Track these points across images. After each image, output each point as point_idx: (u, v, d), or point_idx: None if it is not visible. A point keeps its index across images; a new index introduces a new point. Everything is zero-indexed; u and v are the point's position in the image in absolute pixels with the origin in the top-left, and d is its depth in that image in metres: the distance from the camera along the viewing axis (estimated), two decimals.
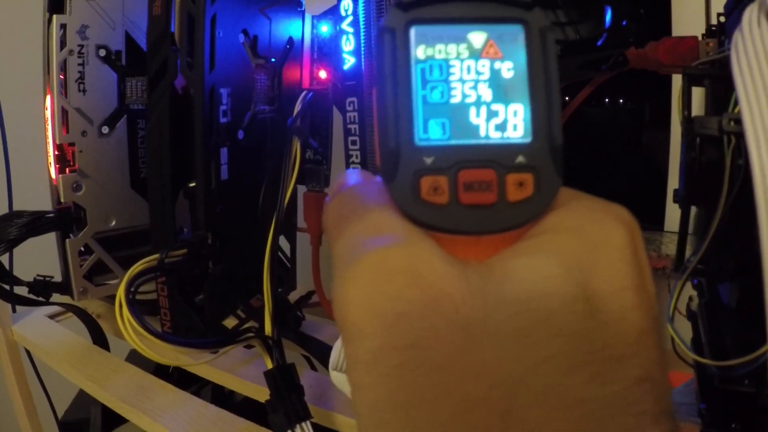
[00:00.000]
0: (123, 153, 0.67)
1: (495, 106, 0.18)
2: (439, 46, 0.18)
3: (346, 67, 0.57)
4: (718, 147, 0.46)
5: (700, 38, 0.58)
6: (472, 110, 0.18)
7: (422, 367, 0.16)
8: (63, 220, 0.64)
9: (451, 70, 0.18)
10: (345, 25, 0.57)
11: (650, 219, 0.98)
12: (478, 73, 0.18)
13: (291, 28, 0.63)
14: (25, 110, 0.77)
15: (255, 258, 0.59)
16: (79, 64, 0.64)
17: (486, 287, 0.17)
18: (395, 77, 0.18)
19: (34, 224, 0.64)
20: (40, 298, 0.70)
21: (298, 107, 0.61)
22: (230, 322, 0.64)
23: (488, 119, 0.18)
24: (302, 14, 0.65)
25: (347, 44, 0.56)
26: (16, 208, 0.76)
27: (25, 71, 0.72)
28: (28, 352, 0.80)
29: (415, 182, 0.18)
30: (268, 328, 0.57)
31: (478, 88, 0.18)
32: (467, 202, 0.18)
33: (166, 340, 0.50)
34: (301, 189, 0.66)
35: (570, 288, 0.17)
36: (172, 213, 0.54)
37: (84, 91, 0.64)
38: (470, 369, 0.16)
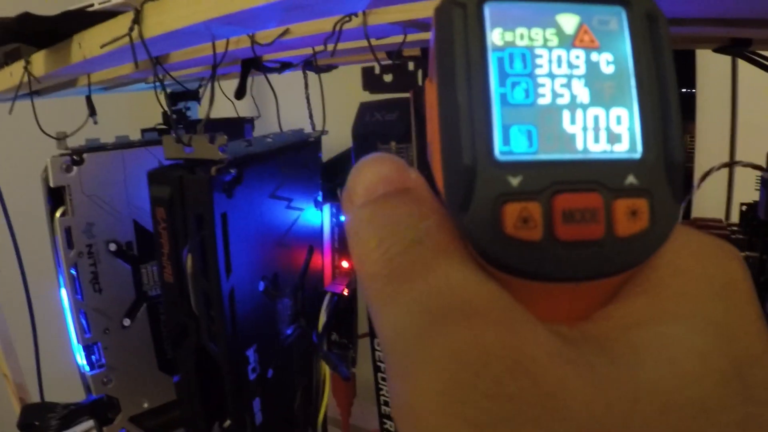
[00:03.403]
0: (147, 339, 0.64)
1: (594, 110, 0.14)
2: (521, 30, 0.14)
3: None
4: None
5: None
6: (566, 115, 0.14)
7: None
8: (97, 410, 0.64)
9: (538, 61, 0.14)
10: None
11: None
12: (571, 66, 0.14)
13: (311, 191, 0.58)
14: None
15: None
16: (90, 264, 0.60)
17: (611, 371, 0.12)
18: (467, 68, 0.14)
19: (71, 416, 0.63)
20: None
21: (323, 318, 0.58)
22: None
23: (586, 127, 0.14)
24: (320, 206, 0.59)
25: None
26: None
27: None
28: None
29: (497, 211, 0.13)
30: None
31: (573, 87, 0.14)
32: (567, 237, 0.13)
33: None
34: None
35: (722, 363, 0.13)
36: None
37: (100, 290, 0.61)
38: None
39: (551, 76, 0.14)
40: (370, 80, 0.49)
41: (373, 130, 0.48)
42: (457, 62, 0.14)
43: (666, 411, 0.12)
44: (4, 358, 0.78)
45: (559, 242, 0.13)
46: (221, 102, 0.81)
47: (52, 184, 0.57)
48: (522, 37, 0.14)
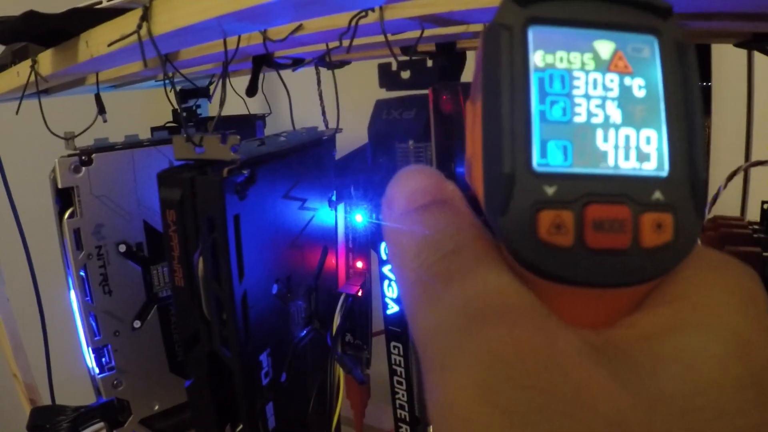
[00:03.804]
0: (158, 341, 0.63)
1: (625, 130, 0.15)
2: (561, 54, 0.15)
3: (389, 312, 0.51)
4: None
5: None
6: (599, 133, 0.15)
7: None
8: (107, 413, 0.62)
9: (575, 83, 0.15)
10: (387, 270, 0.51)
11: None
12: (605, 89, 0.15)
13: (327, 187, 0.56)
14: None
15: None
16: (100, 266, 0.58)
17: (637, 379, 0.13)
18: (511, 85, 0.15)
19: (81, 419, 0.62)
20: None
21: (337, 320, 0.56)
22: None
23: (618, 145, 0.15)
24: (334, 205, 0.58)
25: (390, 290, 0.51)
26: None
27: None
28: None
29: (532, 217, 0.14)
30: None
31: (606, 107, 0.15)
32: (596, 245, 0.14)
33: None
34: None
35: (740, 370, 0.13)
36: None
37: (110, 292, 0.59)
38: None
39: (587, 97, 0.15)
40: (387, 77, 0.47)
41: (390, 129, 0.46)
42: (502, 80, 0.15)
43: (686, 413, 0.12)
44: (13, 359, 0.77)
45: (588, 249, 0.14)
46: (232, 99, 0.79)
47: (60, 185, 0.56)
48: (561, 60, 0.15)
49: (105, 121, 0.72)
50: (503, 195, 0.14)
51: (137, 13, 0.41)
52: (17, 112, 0.58)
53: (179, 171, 0.46)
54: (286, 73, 0.67)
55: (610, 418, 0.12)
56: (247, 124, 0.81)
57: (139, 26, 0.41)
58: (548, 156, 0.15)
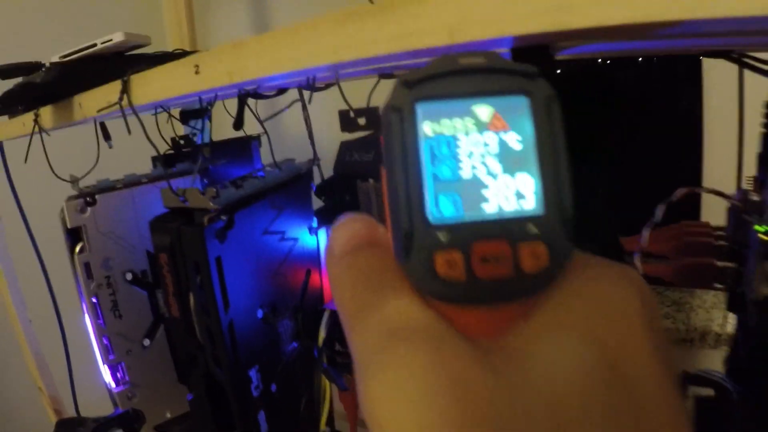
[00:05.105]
0: (166, 356, 0.69)
1: (505, 179, 0.18)
2: (446, 122, 0.18)
3: None
4: None
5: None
6: (483, 184, 0.18)
7: None
8: (124, 422, 0.69)
9: (459, 144, 0.18)
10: None
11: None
12: (485, 146, 0.18)
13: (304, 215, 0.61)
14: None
15: None
16: (110, 294, 0.64)
17: (512, 373, 0.16)
18: (404, 156, 0.18)
19: (101, 428, 0.69)
20: None
21: (322, 333, 0.62)
22: None
23: (499, 192, 0.18)
24: (315, 231, 0.62)
25: None
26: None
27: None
28: None
29: (429, 260, 0.18)
30: None
31: (487, 162, 0.18)
32: (483, 275, 0.17)
33: None
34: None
35: (595, 363, 0.16)
36: None
37: (120, 316, 0.65)
38: None
39: (470, 155, 0.18)
40: (346, 122, 0.52)
41: (352, 170, 0.51)
42: (396, 152, 0.18)
43: (548, 400, 0.16)
44: (38, 374, 0.84)
45: (478, 279, 0.17)
46: (230, 120, 0.83)
47: (69, 226, 0.62)
48: (447, 127, 0.18)
49: (110, 147, 0.78)
50: (406, 246, 0.18)
51: (118, 85, 0.46)
52: (26, 161, 0.63)
53: (169, 219, 0.51)
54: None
55: (483, 400, 0.15)
56: (243, 146, 0.86)
57: (120, 98, 0.46)
58: (441, 209, 0.18)
